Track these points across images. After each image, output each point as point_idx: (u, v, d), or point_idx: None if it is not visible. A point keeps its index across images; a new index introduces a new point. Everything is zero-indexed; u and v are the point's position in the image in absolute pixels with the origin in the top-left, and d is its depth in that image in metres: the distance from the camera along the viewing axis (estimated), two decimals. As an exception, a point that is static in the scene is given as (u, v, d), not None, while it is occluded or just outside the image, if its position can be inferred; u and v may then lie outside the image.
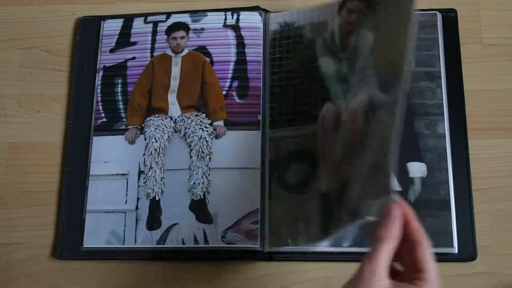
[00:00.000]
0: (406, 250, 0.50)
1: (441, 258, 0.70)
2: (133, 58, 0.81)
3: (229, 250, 0.72)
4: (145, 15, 0.83)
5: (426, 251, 0.49)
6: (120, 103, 0.79)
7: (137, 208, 0.74)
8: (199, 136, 0.76)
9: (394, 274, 0.50)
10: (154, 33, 0.81)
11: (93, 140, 0.78)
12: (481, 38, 0.80)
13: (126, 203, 0.75)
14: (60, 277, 0.74)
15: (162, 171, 0.75)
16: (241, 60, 0.79)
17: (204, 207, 0.73)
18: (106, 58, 0.81)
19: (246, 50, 0.79)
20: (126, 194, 0.75)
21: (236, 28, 0.80)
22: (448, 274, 0.71)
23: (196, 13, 0.82)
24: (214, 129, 0.76)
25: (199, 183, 0.74)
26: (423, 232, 0.51)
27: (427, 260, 0.49)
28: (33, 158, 0.79)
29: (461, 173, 0.74)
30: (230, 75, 0.78)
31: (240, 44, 0.80)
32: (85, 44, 0.83)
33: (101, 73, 0.81)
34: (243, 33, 0.80)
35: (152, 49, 0.81)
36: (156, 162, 0.75)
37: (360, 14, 0.67)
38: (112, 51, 0.81)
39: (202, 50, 0.80)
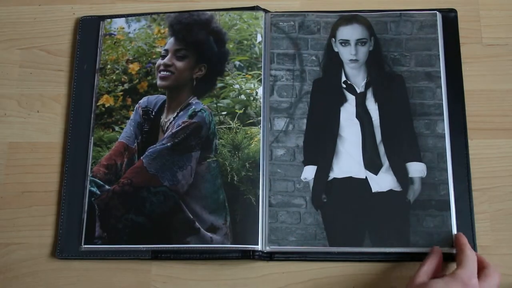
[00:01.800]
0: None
1: (441, 258, 0.70)
2: None
3: (229, 250, 0.72)
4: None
5: (467, 253, 0.65)
6: None
7: None
8: None
9: None
10: None
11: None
12: (481, 38, 0.80)
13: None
14: (60, 277, 0.74)
15: None
16: None
17: None
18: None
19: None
20: None
21: None
22: (448, 273, 0.71)
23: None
24: None
25: None
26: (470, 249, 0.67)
27: (463, 259, 0.65)
28: (33, 158, 0.79)
29: (461, 173, 0.74)
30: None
31: None
32: (85, 44, 0.83)
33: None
34: None
35: None
36: None
37: None
38: None
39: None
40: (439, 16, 0.79)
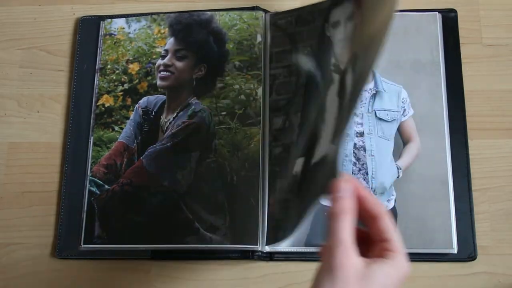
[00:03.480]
0: (369, 225, 0.51)
1: (440, 258, 0.71)
2: None
3: (229, 250, 0.72)
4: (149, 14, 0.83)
5: (387, 222, 0.50)
6: None
7: None
8: None
9: (363, 251, 0.50)
10: None
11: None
12: (481, 38, 0.80)
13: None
14: (59, 277, 0.74)
15: None
16: None
17: None
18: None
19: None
20: None
21: None
22: (448, 274, 0.71)
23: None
24: None
25: None
26: (380, 205, 0.51)
27: (389, 231, 0.49)
28: (33, 158, 0.79)
29: (461, 173, 0.74)
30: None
31: None
32: (85, 44, 0.83)
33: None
34: None
35: None
36: None
37: None
38: None
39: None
40: (439, 16, 0.79)
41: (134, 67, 0.81)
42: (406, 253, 0.49)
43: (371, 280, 0.46)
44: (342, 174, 0.51)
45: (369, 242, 0.51)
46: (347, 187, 0.50)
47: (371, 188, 0.73)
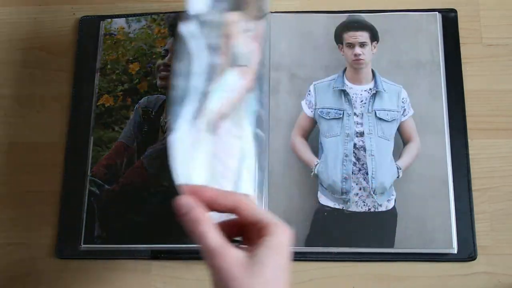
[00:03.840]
0: (235, 215, 0.51)
1: (440, 258, 0.71)
2: None
3: (229, 250, 0.72)
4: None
5: (246, 207, 0.50)
6: None
7: None
8: None
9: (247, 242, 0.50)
10: None
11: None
12: (481, 38, 0.80)
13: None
14: (60, 277, 0.74)
15: None
16: None
17: None
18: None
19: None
20: None
21: None
22: (448, 274, 0.71)
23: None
24: None
25: None
26: (231, 196, 0.51)
27: (253, 212, 0.50)
28: (33, 158, 0.79)
29: (461, 173, 0.74)
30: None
31: None
32: (85, 44, 0.83)
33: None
34: None
35: None
36: None
37: None
38: None
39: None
40: (439, 16, 0.79)
41: (134, 67, 0.81)
42: (282, 221, 0.49)
43: (261, 265, 0.46)
44: (180, 188, 0.52)
45: (246, 228, 0.50)
46: (187, 201, 0.50)
47: (371, 188, 0.73)
